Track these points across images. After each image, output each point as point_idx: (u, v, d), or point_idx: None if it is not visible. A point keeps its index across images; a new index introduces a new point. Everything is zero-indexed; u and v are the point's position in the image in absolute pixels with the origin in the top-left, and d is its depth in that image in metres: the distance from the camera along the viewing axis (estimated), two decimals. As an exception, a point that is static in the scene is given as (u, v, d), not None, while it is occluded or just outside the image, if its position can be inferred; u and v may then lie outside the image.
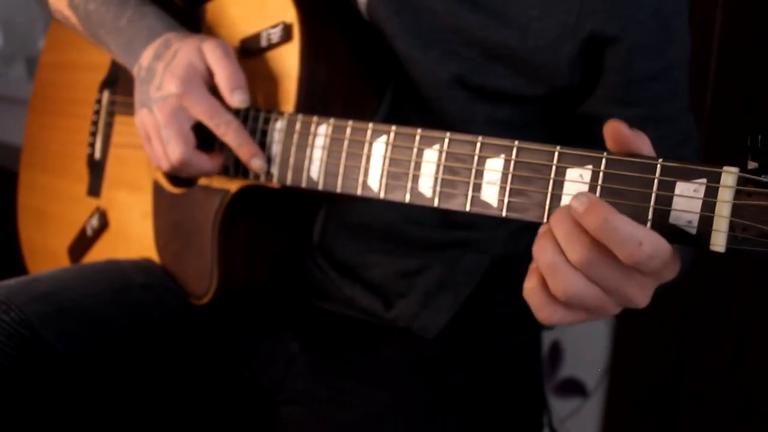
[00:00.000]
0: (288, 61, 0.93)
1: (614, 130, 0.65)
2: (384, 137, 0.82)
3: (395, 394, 1.01)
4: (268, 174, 0.93)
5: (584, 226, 0.62)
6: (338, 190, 0.86)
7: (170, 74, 0.94)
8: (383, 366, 1.03)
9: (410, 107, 0.98)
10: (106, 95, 1.22)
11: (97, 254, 1.17)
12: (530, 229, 1.03)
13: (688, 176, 0.63)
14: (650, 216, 0.64)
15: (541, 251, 0.65)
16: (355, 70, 0.97)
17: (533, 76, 0.92)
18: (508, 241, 1.03)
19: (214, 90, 0.95)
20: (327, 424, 0.99)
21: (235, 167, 0.97)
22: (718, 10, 1.36)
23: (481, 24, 0.91)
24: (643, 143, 0.65)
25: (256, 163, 0.93)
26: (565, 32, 0.89)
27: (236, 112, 0.97)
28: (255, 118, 0.95)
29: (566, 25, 0.89)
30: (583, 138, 0.97)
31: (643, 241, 0.61)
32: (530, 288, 0.67)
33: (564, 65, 0.90)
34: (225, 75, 0.93)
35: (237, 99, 0.93)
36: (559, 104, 0.95)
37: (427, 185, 0.78)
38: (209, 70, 0.95)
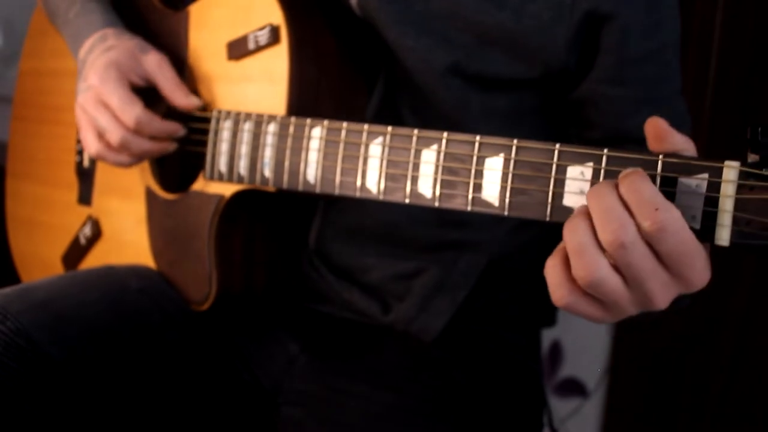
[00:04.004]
0: (277, 63, 0.93)
1: (655, 126, 0.64)
2: (380, 138, 0.81)
3: (395, 394, 1.00)
4: (264, 178, 0.92)
5: (620, 193, 0.61)
6: (336, 192, 0.85)
7: (92, 67, 1.00)
8: (383, 366, 1.03)
9: (402, 100, 0.98)
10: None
11: (92, 263, 1.16)
12: (528, 226, 1.04)
13: (689, 171, 0.62)
14: (653, 212, 0.63)
15: (572, 230, 0.63)
16: (344, 67, 0.97)
17: (530, 58, 0.92)
18: (507, 239, 1.02)
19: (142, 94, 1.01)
20: (327, 425, 0.99)
21: (229, 172, 0.96)
22: (718, 10, 1.37)
23: (476, 7, 0.91)
24: (685, 141, 0.64)
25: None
26: (561, 12, 0.89)
27: (227, 116, 0.96)
28: (246, 122, 0.94)
29: (562, 5, 0.89)
30: (578, 125, 0.97)
31: (659, 208, 0.60)
32: (552, 265, 0.64)
33: (561, 46, 0.90)
34: (170, 85, 1.01)
35: (194, 102, 1.01)
36: (556, 88, 0.95)
37: (426, 186, 0.78)
38: (144, 78, 1.01)
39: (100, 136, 1.00)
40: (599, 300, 0.64)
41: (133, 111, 0.97)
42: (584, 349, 1.68)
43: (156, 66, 1.01)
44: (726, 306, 1.43)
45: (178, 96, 1.00)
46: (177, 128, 1.01)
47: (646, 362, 1.56)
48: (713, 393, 1.47)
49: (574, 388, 1.73)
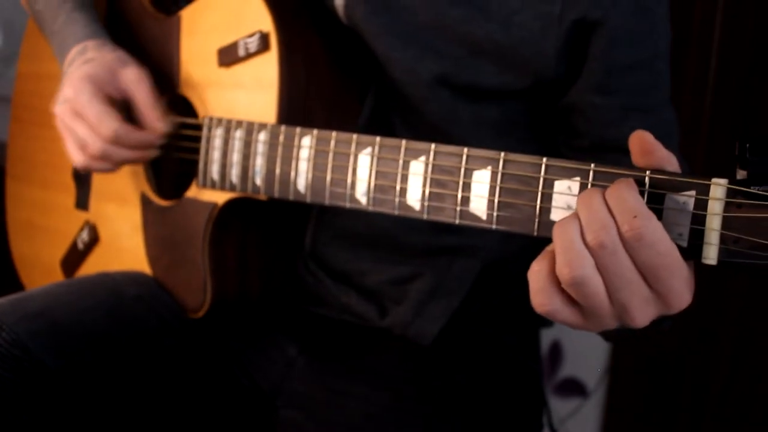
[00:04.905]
0: (267, 70, 0.92)
1: (641, 140, 0.63)
2: (369, 149, 0.81)
3: (394, 395, 1.00)
4: (255, 186, 0.92)
5: (605, 198, 0.61)
6: (326, 202, 0.85)
7: (69, 80, 1.01)
8: (382, 367, 1.03)
9: (393, 110, 0.97)
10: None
11: (91, 268, 1.16)
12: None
13: (676, 188, 0.61)
14: (639, 229, 0.62)
15: (562, 228, 0.62)
16: (335, 76, 0.96)
17: (519, 68, 0.91)
18: (500, 244, 1.02)
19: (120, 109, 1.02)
20: (327, 426, 0.99)
21: (221, 179, 0.95)
22: (718, 10, 1.36)
23: (463, 19, 0.90)
24: (669, 156, 0.63)
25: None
26: (550, 22, 0.88)
27: (218, 123, 0.96)
28: (237, 129, 0.94)
29: (551, 15, 0.88)
30: (566, 132, 0.96)
31: (638, 215, 0.59)
32: (537, 269, 0.64)
33: (551, 55, 0.90)
34: (144, 103, 1.00)
35: (161, 127, 1.01)
36: (545, 97, 0.94)
37: (414, 198, 0.77)
38: (122, 92, 1.01)
39: (83, 147, 1.00)
40: (579, 306, 0.63)
41: (110, 124, 0.97)
42: (584, 349, 1.68)
43: (133, 82, 1.00)
44: (725, 306, 1.42)
45: (149, 116, 1.00)
46: (156, 139, 1.02)
47: (646, 362, 1.56)
48: (713, 393, 1.47)
49: (574, 388, 1.73)
